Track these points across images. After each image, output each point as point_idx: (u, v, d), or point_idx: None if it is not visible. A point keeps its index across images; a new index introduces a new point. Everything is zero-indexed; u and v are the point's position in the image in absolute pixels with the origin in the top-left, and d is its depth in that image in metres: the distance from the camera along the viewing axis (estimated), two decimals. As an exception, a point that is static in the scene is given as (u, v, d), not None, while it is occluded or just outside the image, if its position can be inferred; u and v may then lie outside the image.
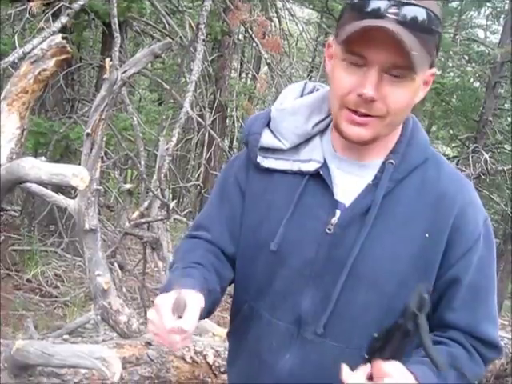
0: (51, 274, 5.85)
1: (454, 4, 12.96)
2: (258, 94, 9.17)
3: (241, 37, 8.99)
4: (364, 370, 1.08)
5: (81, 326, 3.48)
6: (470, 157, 8.83)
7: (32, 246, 6.08)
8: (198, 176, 8.26)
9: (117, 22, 4.17)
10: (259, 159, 1.30)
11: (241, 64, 10.19)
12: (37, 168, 2.43)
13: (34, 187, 3.19)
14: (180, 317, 1.06)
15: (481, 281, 1.24)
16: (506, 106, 10.46)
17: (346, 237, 1.21)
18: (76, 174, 2.31)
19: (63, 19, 3.63)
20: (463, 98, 10.50)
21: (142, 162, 4.95)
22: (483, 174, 8.53)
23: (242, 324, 1.36)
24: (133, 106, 6.04)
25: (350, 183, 1.24)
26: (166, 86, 6.88)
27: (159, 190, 4.25)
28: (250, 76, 10.97)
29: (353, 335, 1.22)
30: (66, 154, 6.10)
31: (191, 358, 2.97)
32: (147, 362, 2.84)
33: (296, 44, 8.43)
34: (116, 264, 5.05)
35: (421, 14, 1.08)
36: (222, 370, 2.98)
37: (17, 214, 6.86)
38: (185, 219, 5.69)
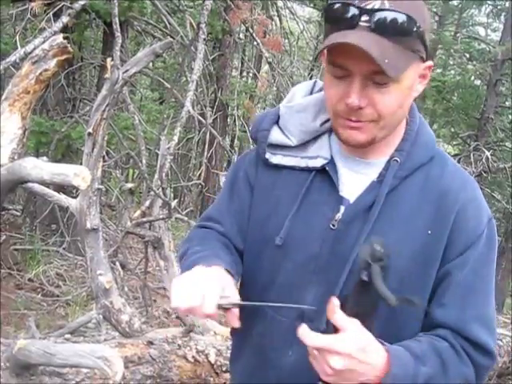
0: (53, 273, 5.85)
1: (455, 2, 12.95)
2: (258, 93, 9.18)
3: (241, 36, 9.00)
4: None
5: (83, 326, 3.48)
6: (472, 155, 8.84)
7: (34, 245, 6.09)
8: (200, 175, 8.26)
9: (118, 21, 4.18)
10: (268, 155, 1.31)
11: (242, 63, 10.21)
12: (38, 168, 2.43)
13: (36, 187, 3.20)
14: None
15: (475, 281, 1.22)
16: (507, 103, 10.45)
17: (349, 232, 1.22)
18: (77, 174, 2.32)
19: (64, 19, 3.64)
20: (464, 95, 10.50)
21: (144, 161, 4.96)
22: (485, 172, 8.54)
23: (245, 320, 1.35)
24: (134, 106, 6.05)
25: (355, 180, 1.26)
26: (167, 85, 6.89)
27: (160, 189, 4.26)
28: (250, 75, 10.99)
29: None
30: (68, 153, 6.11)
31: (193, 357, 2.98)
32: (149, 362, 2.85)
33: (297, 43, 8.43)
34: (118, 263, 5.06)
35: (394, 19, 1.09)
36: (223, 368, 2.98)
37: (18, 214, 6.88)
38: (186, 218, 5.70)
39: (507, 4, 10.68)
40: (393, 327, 1.19)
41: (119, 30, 4.13)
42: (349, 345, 1.06)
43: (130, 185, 5.20)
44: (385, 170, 1.24)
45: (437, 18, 13.46)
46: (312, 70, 10.09)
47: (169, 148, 4.17)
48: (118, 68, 3.09)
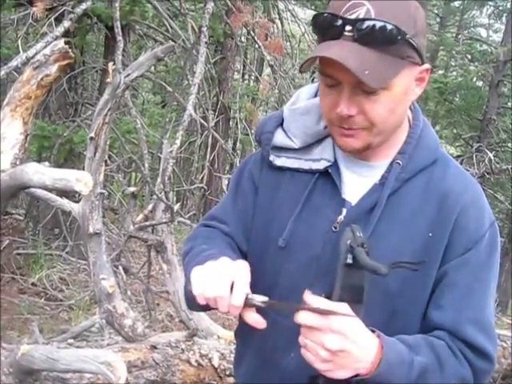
0: (56, 277, 5.85)
1: (456, 3, 12.95)
2: (260, 96, 9.18)
3: (243, 39, 8.99)
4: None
5: (86, 330, 3.48)
6: (474, 156, 8.83)
7: (37, 249, 6.09)
8: (202, 178, 8.26)
9: (119, 25, 4.18)
10: (272, 157, 1.32)
11: (243, 66, 10.20)
12: (40, 173, 2.44)
13: (39, 191, 3.20)
14: None
15: (473, 283, 1.21)
16: (510, 104, 10.44)
17: None
18: (79, 179, 2.32)
19: (66, 24, 3.65)
20: (466, 97, 10.49)
21: (146, 165, 4.95)
22: (487, 173, 8.53)
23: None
24: (136, 109, 6.06)
25: (357, 183, 1.26)
26: (169, 88, 6.89)
27: (163, 193, 4.25)
28: (252, 78, 10.98)
29: None
30: (70, 157, 6.12)
31: (196, 361, 2.97)
32: (152, 366, 2.85)
33: (298, 45, 8.42)
34: (121, 267, 5.06)
35: (377, 28, 1.09)
36: (227, 372, 2.98)
37: (21, 218, 6.89)
38: (189, 222, 5.69)
39: (509, 5, 10.68)
40: (392, 329, 1.18)
41: (121, 33, 4.13)
42: (343, 323, 1.06)
43: (132, 189, 5.19)
44: (387, 172, 1.24)
45: (438, 20, 13.47)
46: (314, 72, 10.09)
47: (171, 151, 4.17)
48: (119, 72, 3.10)
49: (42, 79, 2.70)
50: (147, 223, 4.40)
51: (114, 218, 7.56)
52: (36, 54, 2.90)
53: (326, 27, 1.13)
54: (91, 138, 2.95)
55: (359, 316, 1.09)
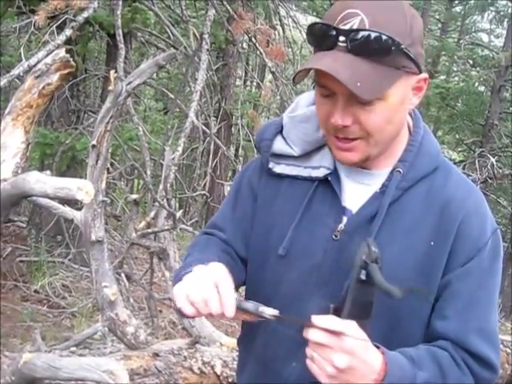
0: (59, 284, 5.85)
1: (458, 9, 12.97)
2: (262, 102, 9.18)
3: (245, 45, 9.01)
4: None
5: (88, 338, 3.47)
6: (477, 161, 8.83)
7: (39, 256, 6.09)
8: (204, 185, 8.27)
9: (121, 33, 4.18)
10: (271, 165, 1.32)
11: (245, 72, 10.22)
12: (42, 182, 2.44)
13: (41, 199, 3.21)
14: None
15: (477, 293, 1.21)
16: (512, 109, 10.45)
17: (351, 243, 1.20)
18: (81, 188, 2.32)
19: (67, 32, 3.65)
20: (468, 102, 10.50)
21: (148, 172, 4.96)
22: (490, 178, 8.52)
23: (250, 331, 1.36)
24: (138, 116, 6.06)
25: (358, 191, 1.25)
26: (171, 95, 6.90)
27: (165, 200, 4.25)
28: (254, 84, 11.00)
29: None
30: (73, 164, 6.12)
31: (199, 368, 2.97)
32: (155, 374, 2.84)
33: (300, 51, 8.43)
34: (123, 274, 5.06)
35: (370, 40, 1.08)
36: (230, 380, 2.97)
37: (24, 225, 6.90)
38: (191, 229, 5.70)
39: (510, 10, 10.70)
40: (394, 341, 1.18)
41: (122, 41, 4.13)
42: (353, 341, 1.05)
43: (134, 196, 5.20)
44: (388, 180, 1.23)
45: (440, 25, 13.49)
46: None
47: (173, 158, 4.17)
48: (121, 80, 3.10)
49: (43, 88, 2.71)
50: (149, 230, 4.40)
51: (117, 225, 7.56)
52: (38, 62, 2.91)
53: (321, 38, 1.13)
54: (93, 146, 2.95)
55: (366, 331, 1.09)
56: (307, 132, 1.29)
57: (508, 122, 10.36)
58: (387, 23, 1.10)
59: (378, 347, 1.11)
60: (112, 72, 3.12)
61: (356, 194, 1.25)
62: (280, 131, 1.33)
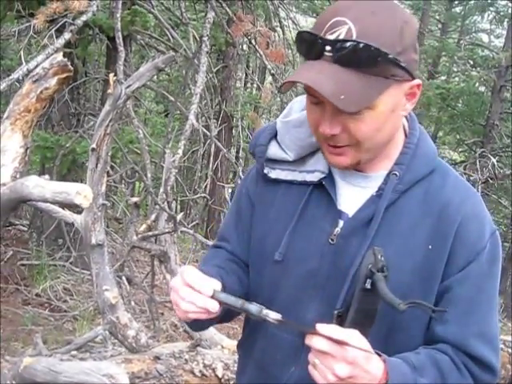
0: (60, 288, 5.85)
1: (458, 9, 12.97)
2: (263, 104, 9.19)
3: (245, 47, 9.02)
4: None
5: (89, 341, 3.47)
6: (478, 161, 8.81)
7: (40, 260, 6.10)
8: (205, 187, 8.26)
9: (121, 35, 4.20)
10: (266, 170, 1.31)
11: (245, 74, 10.23)
12: (40, 187, 2.44)
13: (41, 203, 3.20)
14: None
15: (477, 296, 1.20)
16: (512, 109, 10.45)
17: (348, 247, 1.20)
18: (79, 192, 2.32)
19: (66, 35, 3.66)
20: (469, 102, 10.49)
21: (149, 175, 4.96)
22: (491, 179, 8.50)
23: (249, 335, 1.36)
24: (139, 119, 6.06)
25: (354, 194, 1.24)
26: (171, 98, 6.90)
27: (166, 203, 4.25)
28: (254, 86, 11.01)
29: None
30: (73, 167, 6.12)
31: (200, 371, 2.96)
32: (156, 377, 2.84)
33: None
34: (124, 278, 5.06)
35: (357, 50, 1.06)
36: (231, 383, 2.97)
37: (25, 229, 6.90)
38: (192, 231, 5.68)
39: (510, 10, 10.70)
40: (394, 343, 1.18)
41: (122, 44, 4.14)
42: (355, 351, 1.05)
43: (135, 199, 5.20)
44: (384, 183, 1.22)
45: (440, 26, 13.49)
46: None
47: (174, 161, 4.17)
48: (121, 83, 3.10)
49: (41, 92, 2.71)
50: (150, 233, 4.40)
51: (118, 228, 7.56)
52: (37, 66, 2.91)
53: (308, 47, 1.11)
54: (93, 149, 2.95)
55: (367, 337, 1.08)
56: (301, 137, 1.28)
57: (509, 122, 10.35)
58: (376, 32, 1.07)
59: (379, 355, 1.11)
60: (111, 75, 3.13)
61: (352, 197, 1.24)
62: (274, 136, 1.32)
